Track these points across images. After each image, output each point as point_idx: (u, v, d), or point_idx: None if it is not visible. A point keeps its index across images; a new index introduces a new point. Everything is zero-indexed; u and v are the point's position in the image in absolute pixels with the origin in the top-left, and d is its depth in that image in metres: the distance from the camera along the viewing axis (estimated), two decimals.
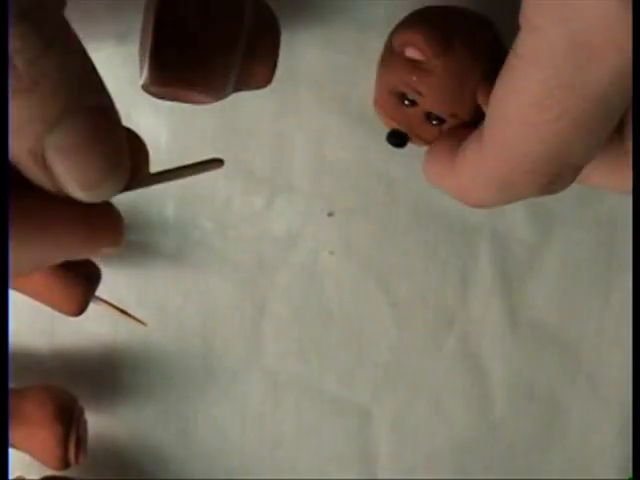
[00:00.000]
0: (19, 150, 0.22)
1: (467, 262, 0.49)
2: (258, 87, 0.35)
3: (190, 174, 0.27)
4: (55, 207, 0.23)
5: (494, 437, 0.51)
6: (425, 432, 0.50)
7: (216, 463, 0.50)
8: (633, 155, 0.21)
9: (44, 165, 0.22)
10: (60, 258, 0.25)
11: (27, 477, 0.45)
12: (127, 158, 0.23)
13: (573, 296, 0.50)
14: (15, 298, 0.42)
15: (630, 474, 0.51)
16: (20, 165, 0.22)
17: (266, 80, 0.34)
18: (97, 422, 0.47)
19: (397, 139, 0.34)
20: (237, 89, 0.34)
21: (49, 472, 0.45)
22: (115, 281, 0.47)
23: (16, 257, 0.23)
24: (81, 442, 0.44)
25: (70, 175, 0.22)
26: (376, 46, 0.36)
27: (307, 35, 0.46)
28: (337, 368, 0.49)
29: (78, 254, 0.24)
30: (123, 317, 0.45)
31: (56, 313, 0.43)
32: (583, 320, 0.50)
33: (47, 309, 0.42)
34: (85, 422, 0.45)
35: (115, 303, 0.45)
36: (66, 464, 0.43)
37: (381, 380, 0.50)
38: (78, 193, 0.23)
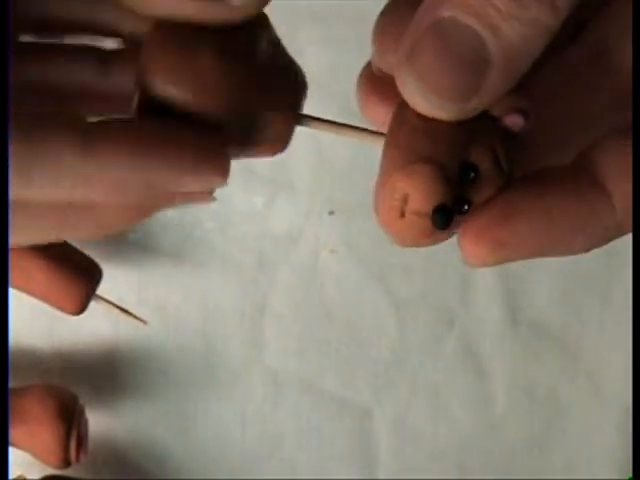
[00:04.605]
0: None
1: None
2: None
3: (347, 134, 0.24)
4: (168, 127, 0.21)
5: (494, 436, 0.51)
6: (425, 431, 0.50)
7: (216, 463, 0.49)
8: (633, 154, 0.21)
9: None
10: (162, 184, 0.22)
11: (28, 476, 0.45)
12: None
13: (573, 296, 0.50)
14: (15, 297, 0.42)
15: (630, 474, 0.51)
16: None
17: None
18: (97, 421, 0.47)
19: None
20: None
21: (50, 471, 0.45)
22: (116, 280, 0.47)
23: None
24: (82, 441, 0.44)
25: None
26: None
27: (307, 34, 0.46)
28: (337, 367, 0.49)
29: (183, 185, 0.22)
30: (123, 316, 0.45)
31: (56, 312, 0.43)
32: (583, 320, 0.50)
33: (47, 308, 0.43)
34: (86, 421, 0.45)
35: (115, 302, 0.45)
36: (67, 463, 0.43)
37: (382, 379, 0.50)
38: None
